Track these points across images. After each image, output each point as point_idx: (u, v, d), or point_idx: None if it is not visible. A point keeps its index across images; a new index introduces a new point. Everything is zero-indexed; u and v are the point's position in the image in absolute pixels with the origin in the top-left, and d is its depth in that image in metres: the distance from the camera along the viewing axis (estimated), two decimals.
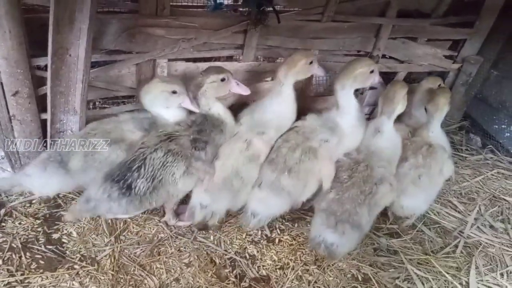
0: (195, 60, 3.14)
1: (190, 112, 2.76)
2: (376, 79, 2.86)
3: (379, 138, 2.75)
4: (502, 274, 2.68)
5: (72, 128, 2.73)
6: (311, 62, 2.78)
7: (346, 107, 2.77)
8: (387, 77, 3.86)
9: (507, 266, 2.73)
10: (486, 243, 2.91)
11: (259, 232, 2.83)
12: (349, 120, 2.77)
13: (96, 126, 2.71)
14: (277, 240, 2.79)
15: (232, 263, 2.59)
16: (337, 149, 2.77)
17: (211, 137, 2.61)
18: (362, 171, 2.65)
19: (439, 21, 3.56)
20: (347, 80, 2.72)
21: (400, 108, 2.72)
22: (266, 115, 2.76)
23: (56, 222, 2.71)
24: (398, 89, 2.70)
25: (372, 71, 2.79)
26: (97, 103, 3.20)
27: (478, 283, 2.60)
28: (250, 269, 2.57)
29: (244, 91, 2.76)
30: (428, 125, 2.94)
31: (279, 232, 2.85)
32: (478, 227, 3.04)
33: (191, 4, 3.05)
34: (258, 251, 2.69)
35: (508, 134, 3.87)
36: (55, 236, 2.63)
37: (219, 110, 2.70)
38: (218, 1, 3.00)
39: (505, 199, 3.34)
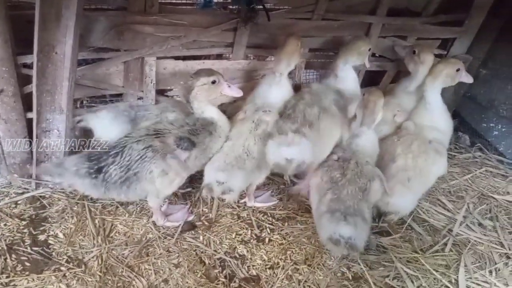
0: (184, 58, 3.12)
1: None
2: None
3: (359, 140, 2.81)
4: (490, 272, 2.68)
5: (58, 127, 2.69)
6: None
7: (345, 78, 3.11)
8: (377, 76, 3.88)
9: (495, 264, 2.74)
10: (475, 241, 2.92)
11: (249, 231, 2.81)
12: (348, 87, 3.09)
13: (177, 104, 2.83)
14: (267, 240, 2.77)
15: (222, 263, 2.57)
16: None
17: (199, 139, 2.58)
18: (354, 168, 2.66)
19: (429, 19, 3.57)
20: (350, 57, 3.08)
21: (380, 117, 2.79)
22: (269, 101, 2.87)
23: (42, 223, 2.66)
24: (377, 99, 2.74)
25: (370, 49, 3.21)
26: (84, 101, 3.16)
27: (467, 280, 2.60)
28: (240, 269, 2.54)
29: (237, 93, 2.74)
30: (424, 98, 3.05)
31: (269, 231, 2.83)
32: (467, 225, 3.05)
33: (180, 1, 3.02)
34: (248, 251, 2.67)
35: (497, 133, 3.90)
36: (41, 237, 2.57)
37: (213, 114, 2.68)
38: None
39: (493, 197, 3.36)
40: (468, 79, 3.15)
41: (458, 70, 3.05)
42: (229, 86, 2.70)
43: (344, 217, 2.43)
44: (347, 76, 3.12)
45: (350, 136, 2.85)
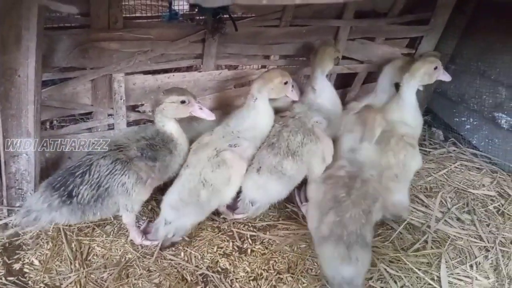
0: (154, 72, 3.07)
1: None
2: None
3: (359, 156, 2.70)
4: (471, 266, 2.71)
5: (27, 151, 2.62)
6: (286, 82, 2.83)
7: (323, 90, 3.07)
8: (349, 78, 3.91)
9: (475, 258, 2.78)
10: (454, 236, 2.95)
11: (230, 243, 2.78)
12: (327, 100, 3.09)
13: None
14: (249, 251, 2.74)
15: (204, 279, 2.52)
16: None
17: (160, 155, 2.57)
18: (360, 187, 2.53)
19: (395, 20, 3.62)
20: (327, 64, 3.06)
21: (379, 131, 2.71)
22: (242, 126, 2.78)
23: (16, 251, 2.57)
24: (375, 115, 2.69)
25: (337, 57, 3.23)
26: (54, 122, 3.08)
27: (449, 277, 2.63)
28: (223, 283, 2.50)
29: (208, 116, 2.67)
30: (399, 94, 3.10)
31: (250, 242, 2.81)
32: (445, 220, 3.08)
33: (145, 15, 2.98)
34: (230, 264, 2.64)
35: (469, 126, 3.96)
36: (16, 266, 2.49)
37: (172, 129, 2.64)
38: (173, 11, 2.95)
39: (469, 191, 3.41)
40: (446, 77, 3.19)
41: (435, 68, 3.09)
42: (201, 108, 2.65)
43: (347, 249, 2.31)
44: (324, 87, 3.09)
45: (350, 151, 2.73)
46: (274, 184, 2.69)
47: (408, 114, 3.10)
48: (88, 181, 2.37)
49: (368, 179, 2.59)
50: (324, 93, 3.09)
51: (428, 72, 3.07)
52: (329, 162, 2.76)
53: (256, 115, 2.78)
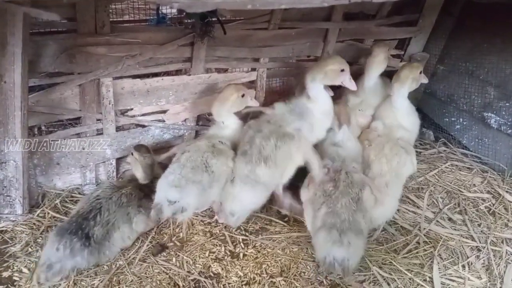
0: (142, 76, 3.04)
1: None
2: (346, 78, 2.85)
3: (341, 150, 2.89)
4: (463, 266, 2.71)
5: (15, 158, 2.59)
6: (243, 95, 2.87)
7: (316, 97, 2.85)
8: None
9: (467, 258, 2.78)
10: (446, 236, 2.95)
11: (223, 248, 2.76)
12: (319, 106, 2.87)
13: None
14: (241, 255, 2.72)
15: (197, 285, 2.50)
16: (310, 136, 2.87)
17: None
18: (345, 179, 2.67)
19: (384, 21, 3.63)
20: (318, 74, 2.79)
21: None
22: (221, 133, 2.92)
23: (5, 259, 2.54)
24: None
25: (342, 70, 2.82)
26: (42, 127, 3.04)
27: (441, 277, 2.63)
28: None
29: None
30: (391, 102, 3.18)
31: (243, 246, 2.79)
32: (437, 221, 3.08)
33: (132, 19, 2.95)
34: (222, 269, 2.62)
35: (459, 126, 3.98)
36: (5, 274, 2.46)
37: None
38: (161, 15, 2.93)
39: (460, 191, 3.41)
40: (424, 79, 3.27)
41: (420, 72, 3.16)
42: None
43: (340, 235, 2.40)
44: (317, 96, 2.84)
45: (332, 146, 2.90)
46: (248, 193, 2.65)
47: (405, 118, 3.19)
48: (100, 222, 2.52)
49: (351, 170, 2.73)
50: (318, 102, 2.87)
51: (416, 78, 3.14)
52: (317, 175, 2.72)
53: (230, 133, 2.92)
